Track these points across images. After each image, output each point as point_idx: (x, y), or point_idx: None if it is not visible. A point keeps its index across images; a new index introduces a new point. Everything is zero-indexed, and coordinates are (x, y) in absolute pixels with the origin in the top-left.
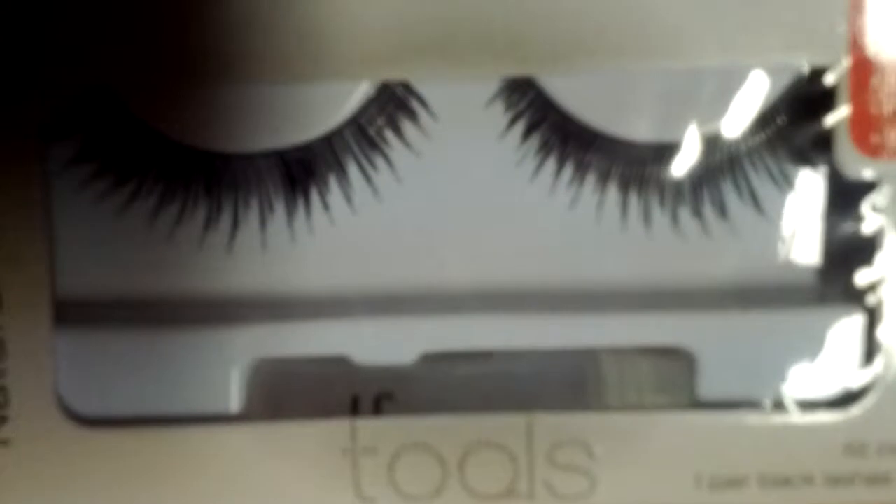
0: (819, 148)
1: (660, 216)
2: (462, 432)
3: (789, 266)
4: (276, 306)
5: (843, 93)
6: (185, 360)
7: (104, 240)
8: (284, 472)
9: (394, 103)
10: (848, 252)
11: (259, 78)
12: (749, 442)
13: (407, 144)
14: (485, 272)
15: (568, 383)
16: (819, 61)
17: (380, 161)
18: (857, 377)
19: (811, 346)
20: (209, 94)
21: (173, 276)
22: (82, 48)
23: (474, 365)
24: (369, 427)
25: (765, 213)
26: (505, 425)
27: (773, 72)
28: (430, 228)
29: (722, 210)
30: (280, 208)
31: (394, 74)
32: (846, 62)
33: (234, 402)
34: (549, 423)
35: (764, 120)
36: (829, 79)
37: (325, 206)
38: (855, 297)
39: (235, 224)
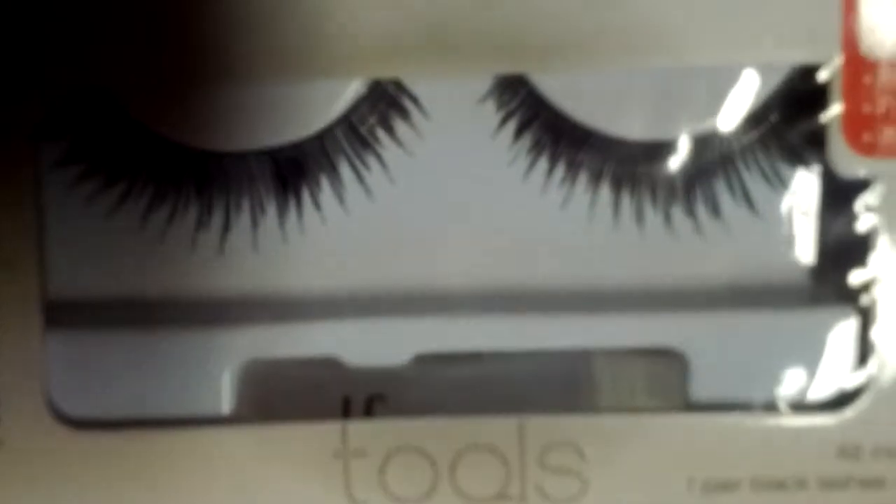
0: (812, 146)
1: (652, 216)
2: (453, 435)
3: (782, 266)
4: (267, 307)
5: (836, 91)
6: (176, 361)
7: (95, 241)
8: (275, 474)
9: (385, 102)
10: (841, 252)
11: (250, 77)
12: (742, 444)
13: (399, 143)
14: (477, 273)
15: (560, 385)
16: (812, 59)
17: (372, 160)
18: (850, 379)
19: (804, 348)
20: (200, 93)
21: (164, 277)
22: (73, 48)
23: (466, 367)
24: (360, 429)
25: (758, 212)
26: (497, 428)
27: (765, 70)
28: (422, 228)
29: (715, 209)
30: (271, 209)
31: (385, 72)
32: (839, 60)
33: (225, 404)
34: (541, 426)
35: (757, 118)
36: (822, 77)
37: (317, 205)
38: (848, 298)
39: (227, 225)
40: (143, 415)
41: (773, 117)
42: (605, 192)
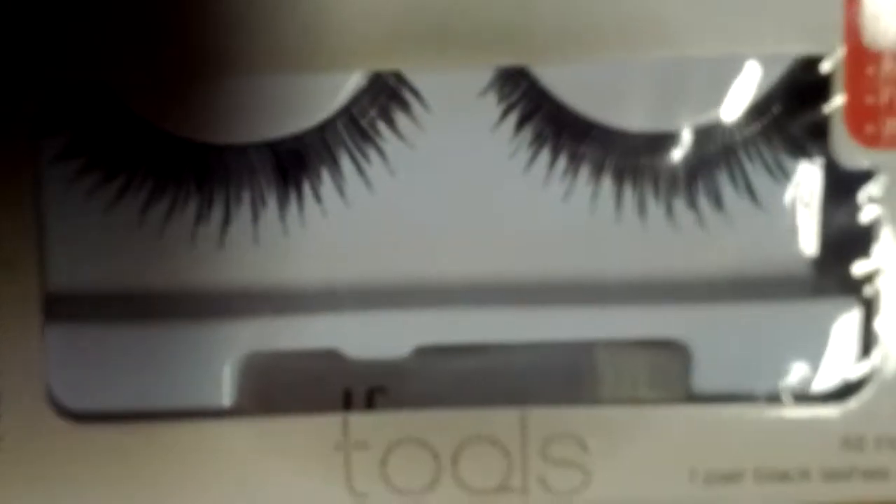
0: (815, 138)
1: (654, 208)
2: (455, 426)
3: (785, 257)
4: (268, 300)
5: (839, 82)
6: (177, 354)
7: (94, 235)
8: (277, 466)
9: (386, 94)
10: (844, 243)
11: (251, 69)
12: (745, 436)
13: (400, 136)
14: (478, 265)
15: (562, 377)
16: (814, 50)
17: (372, 153)
18: (854, 370)
19: (808, 339)
20: (201, 86)
21: (165, 270)
22: (72, 41)
23: (467, 358)
24: (362, 421)
25: (760, 204)
26: (498, 419)
27: (768, 61)
28: (423, 221)
29: (717, 201)
30: (272, 201)
31: (386, 65)
32: (841, 51)
33: (226, 397)
34: (543, 417)
35: (759, 110)
36: (825, 68)
37: (318, 198)
38: (852, 289)
39: (227, 217)
40: (143, 408)
41: (776, 109)
42: (608, 184)
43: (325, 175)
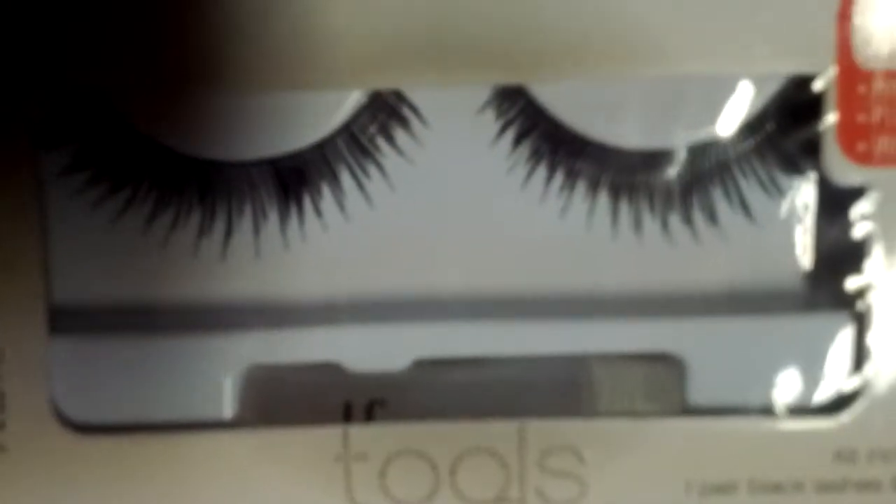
0: (808, 155)
1: (650, 223)
2: (454, 438)
3: (779, 272)
4: (269, 313)
5: (831, 100)
6: (179, 366)
7: (98, 247)
8: (277, 478)
9: (385, 111)
10: (837, 258)
11: (252, 86)
12: (739, 448)
13: (399, 152)
14: (477, 279)
15: (559, 390)
16: (807, 69)
17: (372, 168)
18: (847, 383)
19: (801, 353)
20: (203, 103)
21: (167, 283)
22: (76, 56)
23: (466, 371)
24: (361, 433)
25: (754, 219)
26: (496, 431)
27: (761, 79)
28: (422, 235)
29: (712, 216)
30: (273, 215)
31: (385, 83)
32: (834, 70)
33: (228, 409)
34: (541, 430)
35: (753, 127)
36: (817, 86)
37: (318, 213)
38: (844, 303)
39: (229, 231)
40: (146, 419)
41: (770, 126)
42: (604, 199)
43: (326, 190)
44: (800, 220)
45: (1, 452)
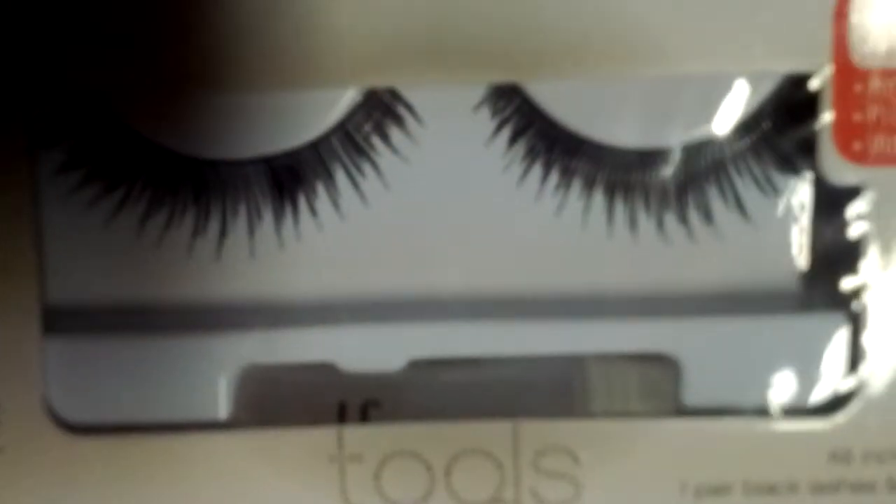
0: (803, 154)
1: (645, 222)
2: (448, 439)
3: (774, 272)
4: (264, 313)
5: (827, 99)
6: (174, 367)
7: (93, 247)
8: (272, 478)
9: (381, 109)
10: (833, 258)
11: (247, 85)
12: (734, 449)
13: (394, 150)
14: (472, 278)
15: (554, 390)
16: (803, 68)
17: (367, 167)
18: (842, 384)
19: (796, 353)
20: (198, 101)
21: (162, 283)
22: (71, 55)
23: (461, 372)
24: (356, 434)
25: (750, 218)
26: (491, 432)
27: (757, 78)
28: (417, 234)
29: (707, 216)
30: (268, 215)
31: (380, 81)
32: (830, 69)
33: (222, 409)
34: (535, 430)
35: (749, 126)
36: (813, 85)
37: (313, 212)
38: (840, 304)
39: (223, 231)
40: (141, 420)
41: (766, 125)
42: (599, 198)
43: (321, 189)
44: (795, 220)
45: None
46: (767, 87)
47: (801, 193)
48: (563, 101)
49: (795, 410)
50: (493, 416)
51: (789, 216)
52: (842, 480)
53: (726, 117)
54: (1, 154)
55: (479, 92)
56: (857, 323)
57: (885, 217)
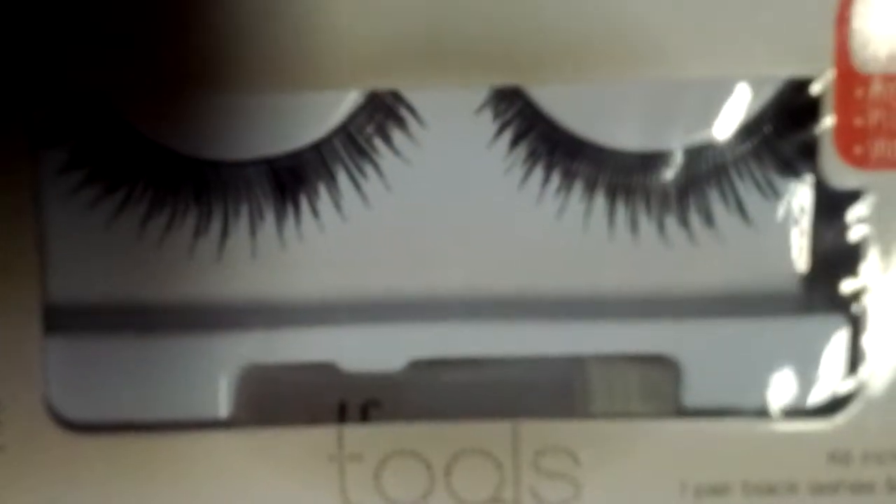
0: (805, 158)
1: (646, 224)
2: (448, 439)
3: (775, 274)
4: (265, 313)
5: (829, 104)
6: (175, 366)
7: (95, 247)
8: (272, 477)
9: (383, 111)
10: (833, 261)
11: (249, 86)
12: (734, 450)
13: (396, 152)
14: (473, 280)
15: (554, 390)
16: (805, 72)
17: (369, 168)
18: (841, 385)
19: (796, 355)
20: (200, 103)
21: (163, 282)
22: (74, 55)
23: (461, 372)
24: (356, 433)
25: (751, 221)
26: (491, 432)
27: (759, 82)
28: (418, 236)
29: (708, 218)
30: (270, 216)
31: (382, 84)
32: (831, 74)
33: (223, 409)
34: (535, 430)
35: (750, 129)
36: (815, 90)
37: (315, 213)
38: (840, 306)
39: (225, 231)
40: (142, 419)
41: (767, 129)
42: (600, 201)
43: (322, 190)
44: (796, 223)
45: None
46: (769, 92)
47: (801, 197)
48: (564, 104)
49: (795, 411)
50: (494, 417)
51: (790, 219)
52: (841, 481)
53: (728, 121)
54: (3, 154)
55: (481, 94)
56: (856, 325)
57: (885, 220)
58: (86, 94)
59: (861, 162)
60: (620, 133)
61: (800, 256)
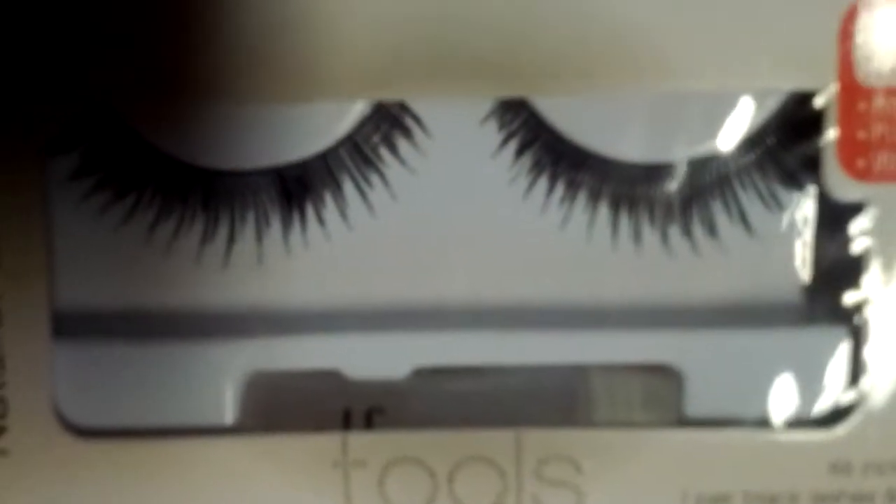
0: (808, 170)
1: (650, 235)
2: (452, 447)
3: (777, 285)
4: (270, 320)
5: (832, 117)
6: (181, 372)
7: (102, 253)
8: (276, 483)
9: (389, 121)
10: (835, 273)
11: (257, 96)
12: (735, 459)
13: (401, 162)
14: (477, 288)
15: (557, 399)
16: (808, 85)
17: (375, 178)
18: (843, 396)
19: (798, 365)
20: (208, 112)
21: (170, 289)
22: (84, 64)
23: (465, 380)
24: (360, 441)
25: (754, 232)
26: (494, 440)
27: (762, 94)
28: (423, 245)
29: (711, 229)
30: (276, 223)
31: (389, 94)
32: (835, 87)
33: (229, 415)
34: (538, 439)
35: (754, 141)
36: (818, 103)
37: (321, 221)
38: (842, 318)
39: (231, 238)
40: (148, 424)
41: (770, 141)
42: (604, 211)
43: (329, 199)
44: (799, 235)
45: (3, 456)
46: (772, 104)
47: (804, 209)
48: (569, 116)
49: (797, 422)
50: (497, 425)
51: (793, 231)
52: (842, 492)
53: (731, 133)
54: (13, 160)
55: (486, 105)
56: (858, 337)
57: (887, 233)
58: (96, 101)
59: (864, 175)
60: (625, 144)
61: (802, 268)
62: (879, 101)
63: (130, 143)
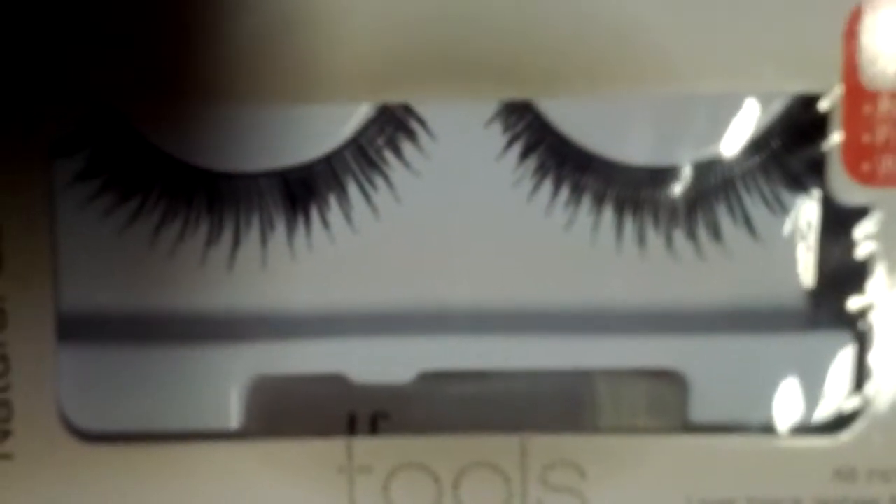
0: (812, 173)
1: (654, 238)
2: (457, 452)
3: (782, 290)
4: (275, 324)
5: (837, 120)
6: (186, 376)
7: (107, 256)
8: (281, 488)
9: (393, 124)
10: (839, 277)
11: (261, 99)
12: (739, 465)
13: (406, 164)
14: (481, 292)
15: (562, 404)
16: (813, 89)
17: (379, 180)
18: (847, 402)
19: (802, 371)
20: (213, 115)
21: (175, 292)
22: (89, 66)
23: (469, 385)
24: (365, 445)
25: (758, 236)
26: (499, 445)
27: (767, 97)
28: (428, 248)
29: (716, 233)
30: (280, 226)
31: (393, 97)
32: (839, 90)
33: (234, 419)
34: (543, 444)
35: (758, 144)
36: (823, 106)
37: (325, 224)
38: (846, 323)
39: (236, 241)
40: (152, 428)
41: (775, 144)
42: (609, 214)
43: (333, 201)
44: (803, 239)
45: (8, 460)
46: (777, 108)
47: (809, 212)
48: (574, 118)
49: (801, 428)
50: (501, 430)
51: (797, 235)
52: (846, 498)
53: (736, 136)
54: (18, 162)
55: (491, 108)
56: (862, 342)
57: (892, 237)
58: (101, 104)
59: (868, 179)
60: (629, 147)
61: (806, 272)
62: (884, 105)
63: (135, 145)
